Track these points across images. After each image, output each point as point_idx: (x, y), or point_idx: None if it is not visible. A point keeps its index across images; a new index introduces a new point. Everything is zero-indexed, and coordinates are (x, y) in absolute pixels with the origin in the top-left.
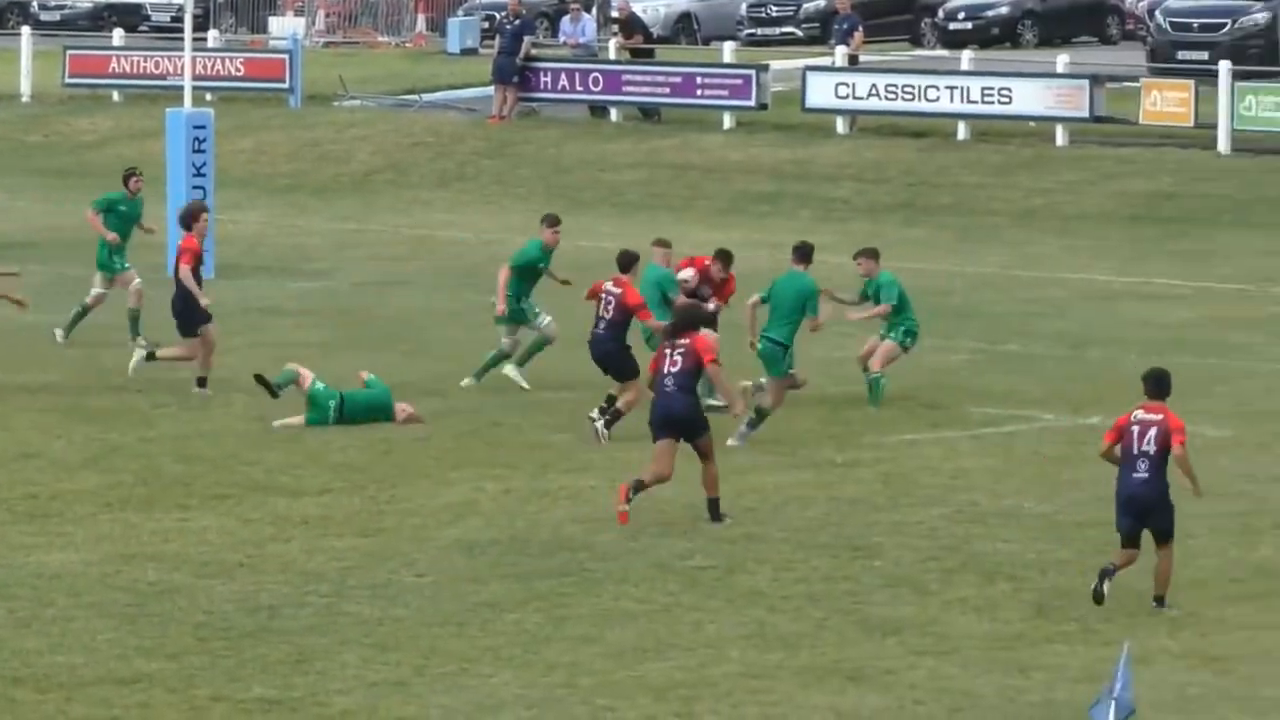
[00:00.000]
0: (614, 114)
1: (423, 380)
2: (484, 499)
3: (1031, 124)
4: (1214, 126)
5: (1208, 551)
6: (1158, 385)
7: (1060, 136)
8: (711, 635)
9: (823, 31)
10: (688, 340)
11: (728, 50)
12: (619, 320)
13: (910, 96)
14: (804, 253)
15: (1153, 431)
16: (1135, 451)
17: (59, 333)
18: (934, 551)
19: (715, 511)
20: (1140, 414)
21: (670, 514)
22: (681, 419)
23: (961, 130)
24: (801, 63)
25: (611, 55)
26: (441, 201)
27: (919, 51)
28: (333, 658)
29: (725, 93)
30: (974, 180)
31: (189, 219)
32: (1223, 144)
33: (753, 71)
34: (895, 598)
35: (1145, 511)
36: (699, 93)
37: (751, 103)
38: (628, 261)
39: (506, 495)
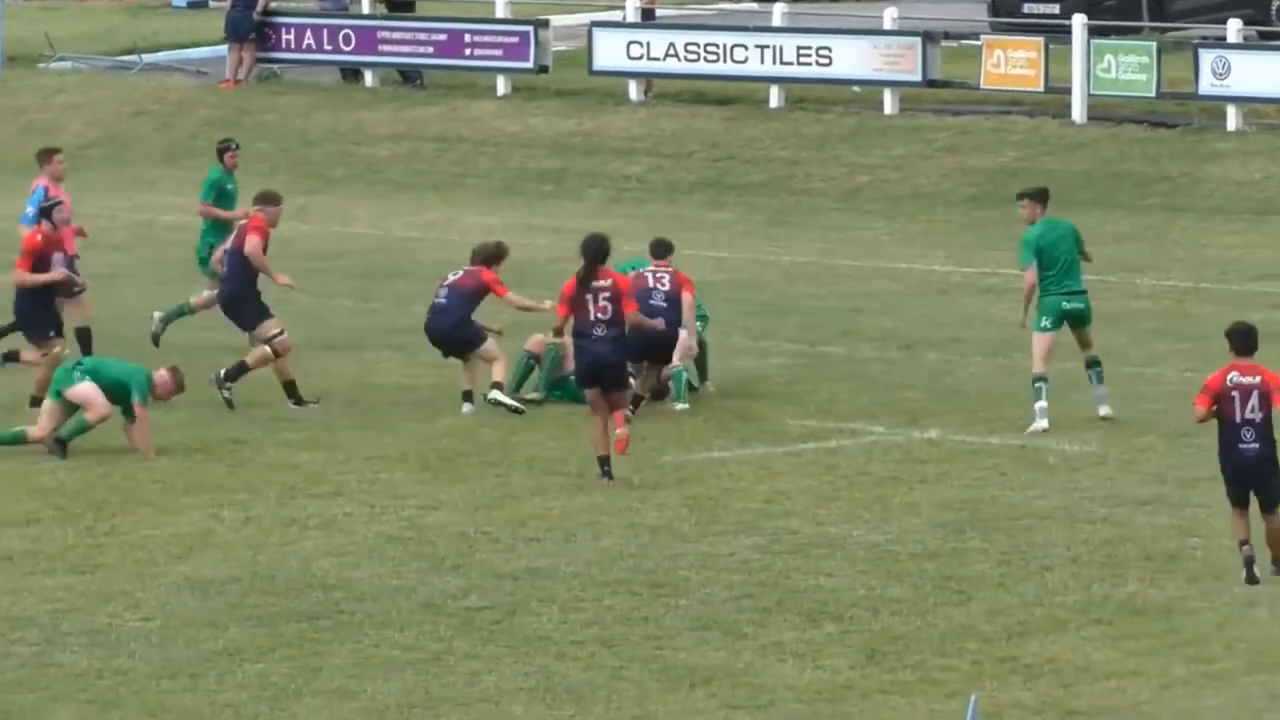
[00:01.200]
0: (369, 77)
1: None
2: (221, 529)
3: (855, 89)
4: (1067, 91)
5: (1068, 587)
6: (1245, 340)
7: (889, 103)
8: (490, 688)
9: None
10: (609, 280)
11: (500, 3)
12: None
13: (714, 57)
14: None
15: (1255, 397)
16: (1238, 420)
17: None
18: (747, 588)
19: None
20: (1236, 376)
21: (440, 544)
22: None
23: (774, 97)
24: (587, 18)
25: (365, 9)
26: (168, 181)
27: (724, 5)
28: (43, 717)
29: (498, 53)
30: (789, 154)
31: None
32: (1077, 112)
33: (530, 28)
34: (703, 642)
35: (1257, 482)
36: (468, 53)
37: (529, 64)
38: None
39: (247, 524)
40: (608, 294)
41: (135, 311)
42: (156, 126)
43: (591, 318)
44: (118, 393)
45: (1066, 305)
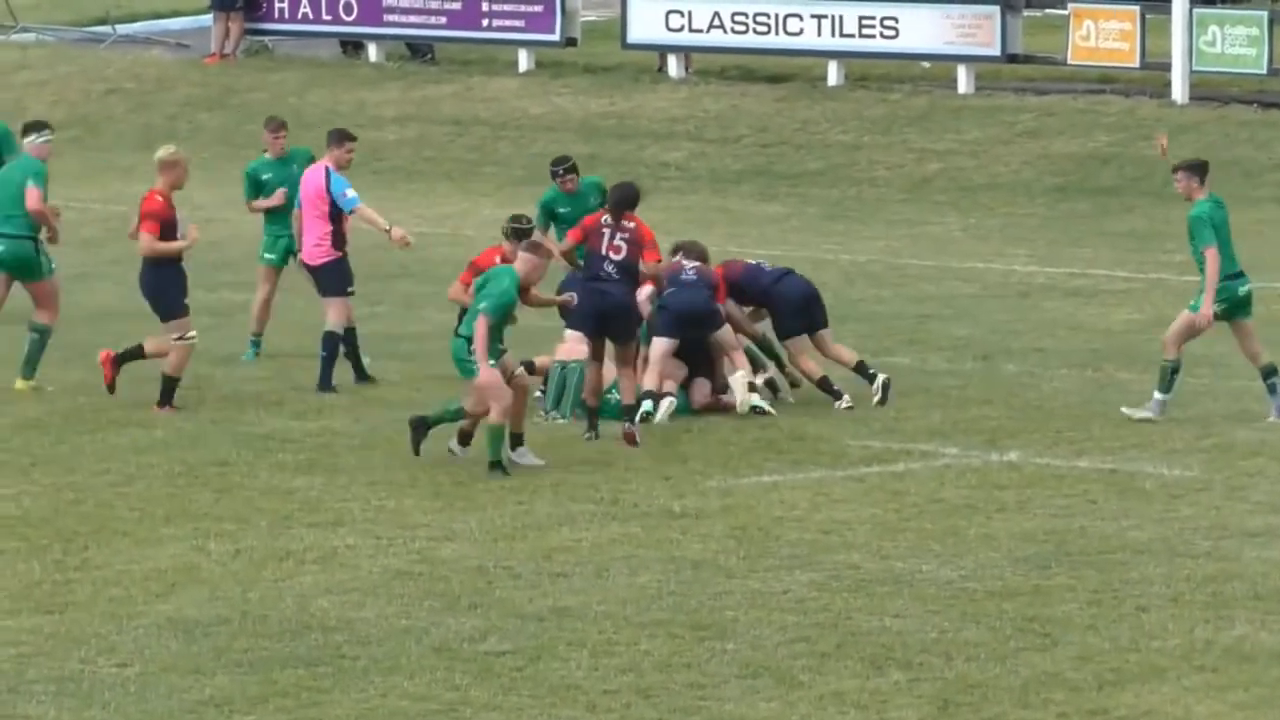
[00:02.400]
0: (373, 51)
1: (117, 405)
2: (207, 563)
3: (925, 65)
4: (1167, 67)
5: (1168, 629)
6: None
7: (963, 81)
8: None
9: None
10: (633, 224)
11: None
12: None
13: (765, 29)
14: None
15: None
16: None
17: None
18: (803, 630)
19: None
20: None
21: (455, 580)
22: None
23: (833, 73)
24: None
25: None
26: (146, 168)
27: None
28: None
29: (520, 23)
30: (849, 139)
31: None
32: (1178, 90)
33: None
34: (752, 691)
35: None
36: (485, 24)
37: (555, 37)
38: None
39: (236, 558)
40: (627, 235)
41: (105, 315)
42: (132, 107)
43: (604, 252)
44: None
45: (1241, 291)
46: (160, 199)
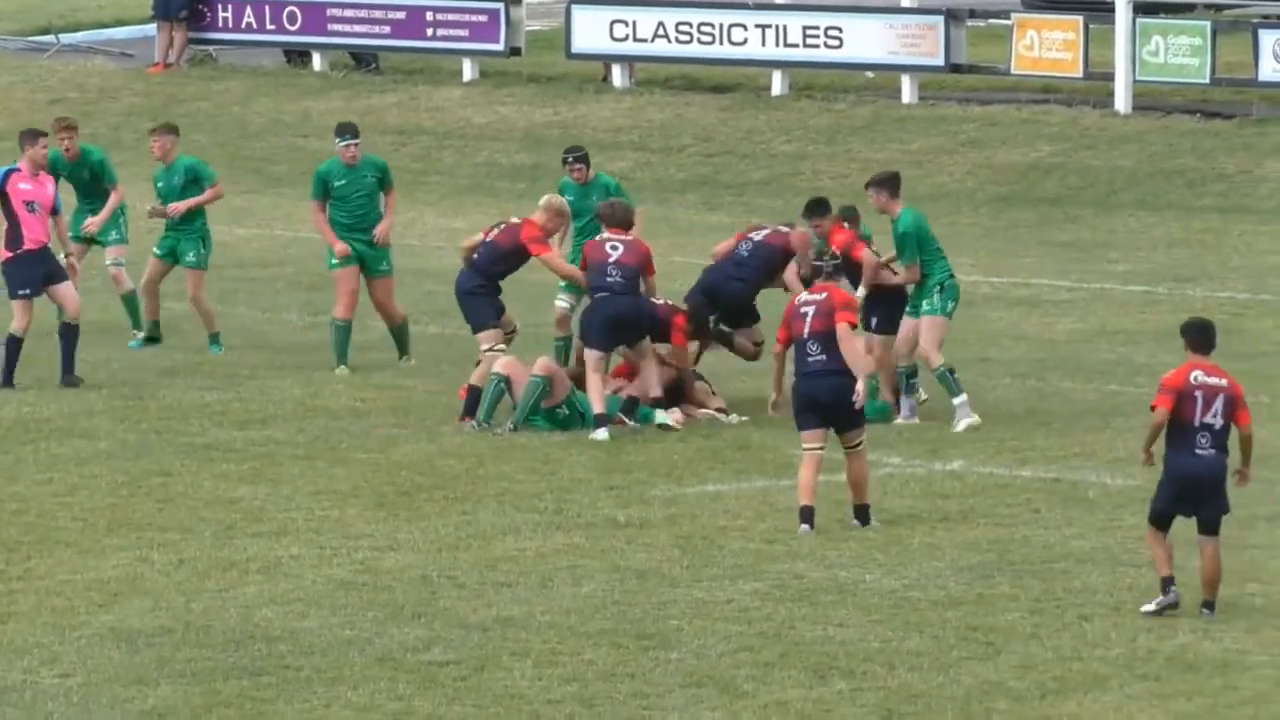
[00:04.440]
0: (317, 60)
1: (60, 415)
2: (150, 573)
3: (869, 75)
4: (1110, 77)
5: (1110, 638)
6: (1203, 336)
7: (907, 91)
8: None
9: None
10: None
11: None
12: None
13: (709, 38)
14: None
15: (1220, 401)
16: (1197, 424)
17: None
18: (747, 640)
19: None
20: (1200, 375)
21: (399, 590)
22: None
23: (777, 83)
24: None
25: None
26: None
27: None
28: None
29: (464, 33)
30: (793, 149)
31: None
32: (1121, 100)
33: (500, 5)
34: (696, 700)
35: (1201, 498)
36: (429, 33)
37: (499, 46)
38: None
39: (180, 568)
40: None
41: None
42: (76, 116)
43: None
44: None
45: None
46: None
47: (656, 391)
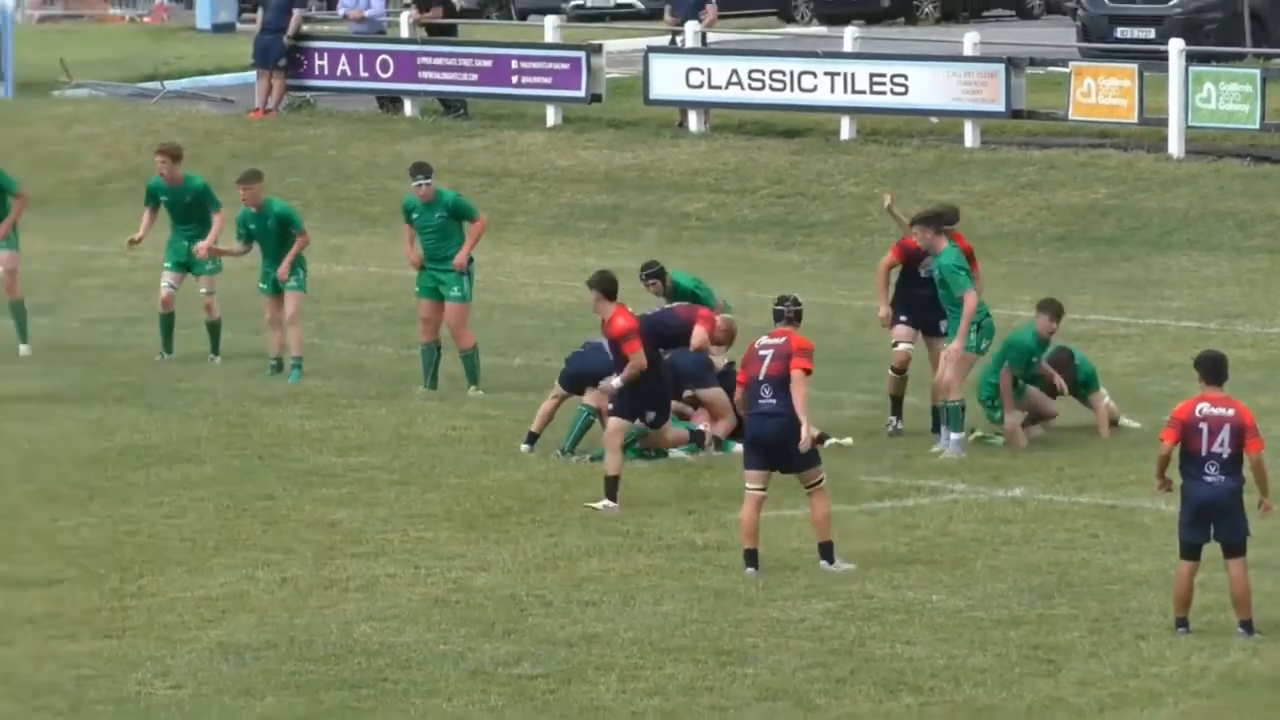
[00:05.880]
0: (408, 107)
1: (168, 442)
2: (255, 591)
3: (933, 120)
4: (1164, 123)
5: (1165, 657)
6: (1215, 369)
7: (969, 135)
8: None
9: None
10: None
11: (550, 27)
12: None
13: (780, 85)
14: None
15: (1225, 430)
16: (1204, 453)
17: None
18: (819, 656)
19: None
20: (1207, 406)
21: (490, 608)
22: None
23: (845, 128)
24: (642, 43)
25: (404, 33)
26: None
27: (791, 29)
28: None
29: (547, 81)
30: (861, 190)
31: None
32: (1174, 145)
33: (581, 54)
34: (772, 713)
35: (1218, 521)
36: (515, 80)
37: (581, 93)
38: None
39: (283, 586)
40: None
41: (154, 360)
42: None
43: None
44: None
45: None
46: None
47: (731, 421)
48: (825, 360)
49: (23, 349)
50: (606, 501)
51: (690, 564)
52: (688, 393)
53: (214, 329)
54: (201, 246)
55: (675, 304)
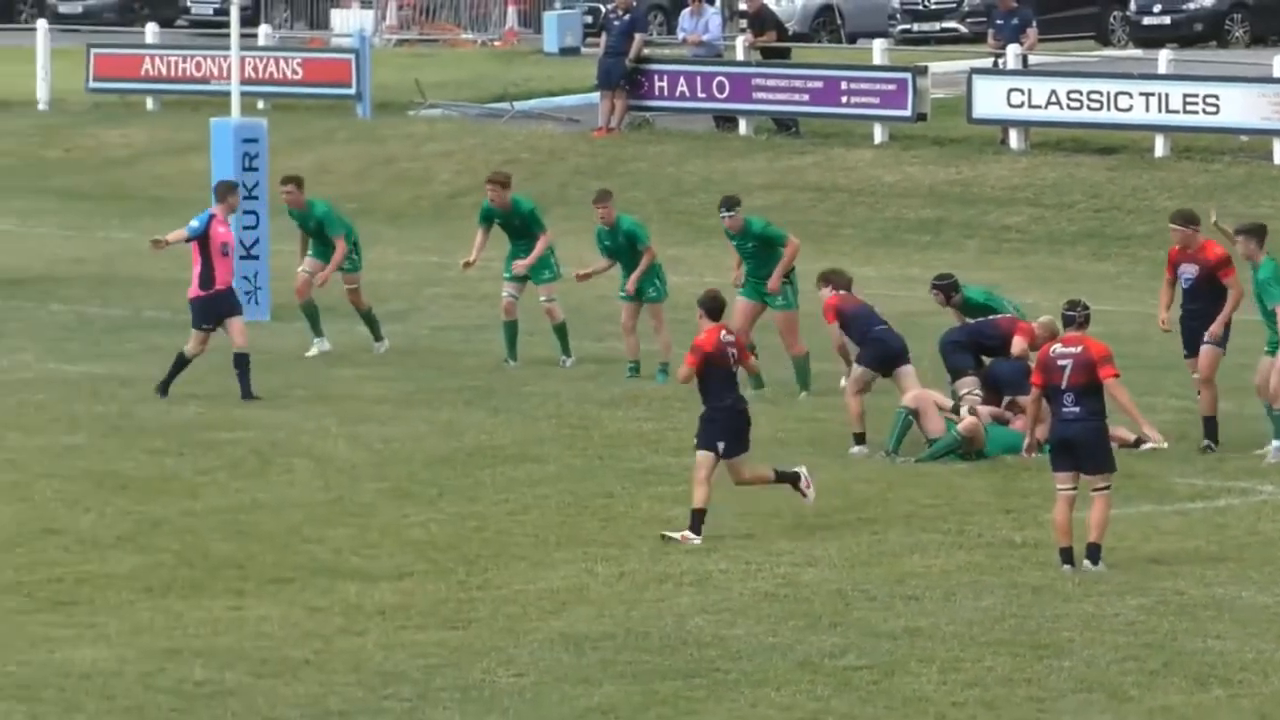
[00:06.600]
0: (743, 125)
1: (514, 443)
2: (594, 584)
3: (1243, 138)
4: None
5: None
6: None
7: (1279, 153)
8: None
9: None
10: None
11: (878, 50)
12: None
13: (1097, 105)
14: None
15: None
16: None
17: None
18: (1133, 650)
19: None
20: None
21: (816, 602)
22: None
23: (1159, 145)
24: (966, 64)
25: (739, 56)
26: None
27: (1107, 51)
28: None
29: (875, 100)
30: (1174, 205)
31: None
32: None
33: (908, 75)
34: (1087, 704)
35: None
36: (844, 100)
37: (907, 112)
38: None
39: (620, 580)
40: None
41: (501, 364)
42: (528, 175)
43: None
44: None
45: None
46: None
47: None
48: (1139, 367)
49: (379, 346)
50: (687, 532)
51: (1008, 561)
52: (1007, 399)
53: (560, 332)
54: (520, 264)
55: (996, 316)
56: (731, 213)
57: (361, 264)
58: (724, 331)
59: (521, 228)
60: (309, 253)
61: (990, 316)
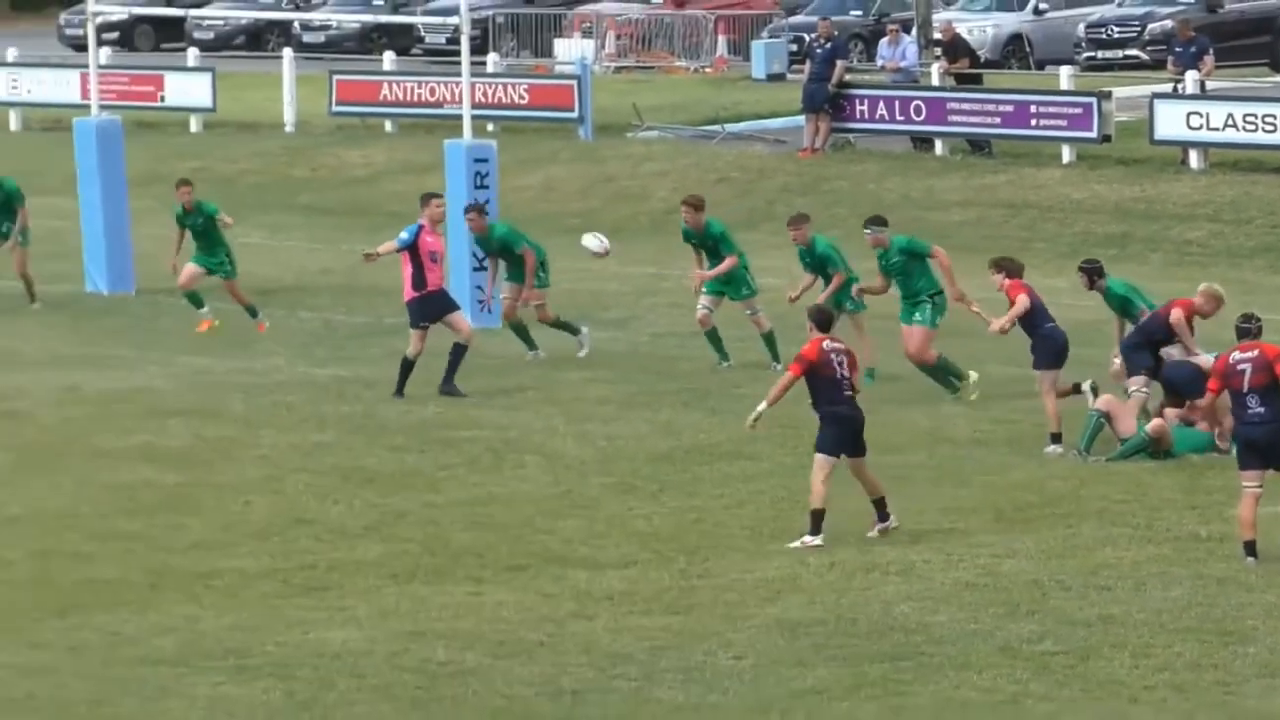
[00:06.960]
0: (939, 146)
1: (729, 441)
2: (806, 574)
3: None
4: None
5: None
6: None
7: None
8: None
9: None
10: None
11: (1065, 75)
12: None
13: (1272, 128)
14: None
15: None
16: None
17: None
18: None
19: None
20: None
21: (1015, 591)
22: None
23: None
24: (1148, 89)
25: (935, 81)
26: (750, 244)
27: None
28: None
29: (1063, 123)
30: None
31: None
32: None
33: (1093, 99)
34: (1271, 689)
35: None
36: (1033, 123)
37: (1093, 134)
38: None
39: (831, 569)
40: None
41: (715, 369)
42: (737, 193)
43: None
44: None
45: None
46: None
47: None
48: None
49: (583, 338)
50: (806, 537)
51: (1195, 554)
52: (1188, 403)
53: (769, 340)
54: (704, 274)
55: (1159, 308)
56: (869, 231)
57: (549, 281)
58: (827, 341)
59: (714, 248)
60: (504, 277)
61: (1151, 311)
